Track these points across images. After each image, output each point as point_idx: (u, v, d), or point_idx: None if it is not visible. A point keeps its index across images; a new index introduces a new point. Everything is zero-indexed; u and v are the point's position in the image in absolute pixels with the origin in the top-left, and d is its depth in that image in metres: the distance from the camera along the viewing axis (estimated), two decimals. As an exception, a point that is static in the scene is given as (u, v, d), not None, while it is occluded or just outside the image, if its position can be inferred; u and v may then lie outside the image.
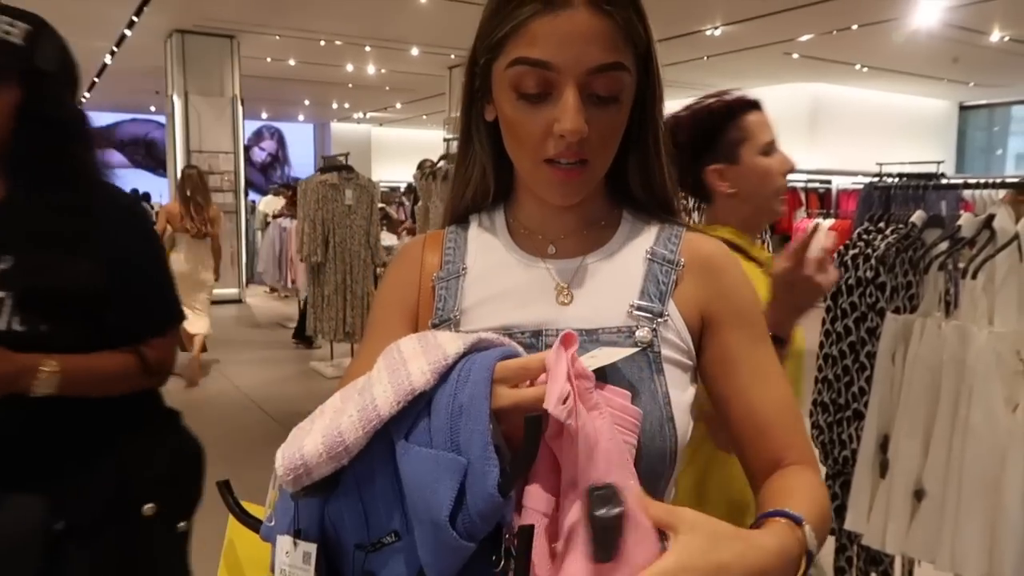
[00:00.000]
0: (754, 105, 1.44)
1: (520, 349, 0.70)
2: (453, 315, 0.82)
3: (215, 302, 9.44)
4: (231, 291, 9.78)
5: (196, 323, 5.71)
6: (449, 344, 0.67)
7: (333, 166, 5.99)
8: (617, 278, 0.81)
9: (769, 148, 1.43)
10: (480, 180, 0.87)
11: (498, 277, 0.84)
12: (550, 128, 0.74)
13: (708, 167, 1.42)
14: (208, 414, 4.98)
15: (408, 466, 0.62)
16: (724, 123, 1.42)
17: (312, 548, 0.67)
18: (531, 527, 0.61)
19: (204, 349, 5.96)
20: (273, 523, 0.70)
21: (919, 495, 1.99)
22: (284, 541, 0.69)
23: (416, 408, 0.64)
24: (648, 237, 0.84)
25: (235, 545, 0.86)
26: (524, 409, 0.61)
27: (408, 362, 0.66)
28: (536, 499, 0.64)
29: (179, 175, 6.06)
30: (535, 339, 0.78)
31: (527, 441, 0.60)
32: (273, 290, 10.18)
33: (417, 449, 0.62)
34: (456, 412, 0.62)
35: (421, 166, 5.74)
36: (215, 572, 0.88)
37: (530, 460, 0.60)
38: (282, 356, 6.84)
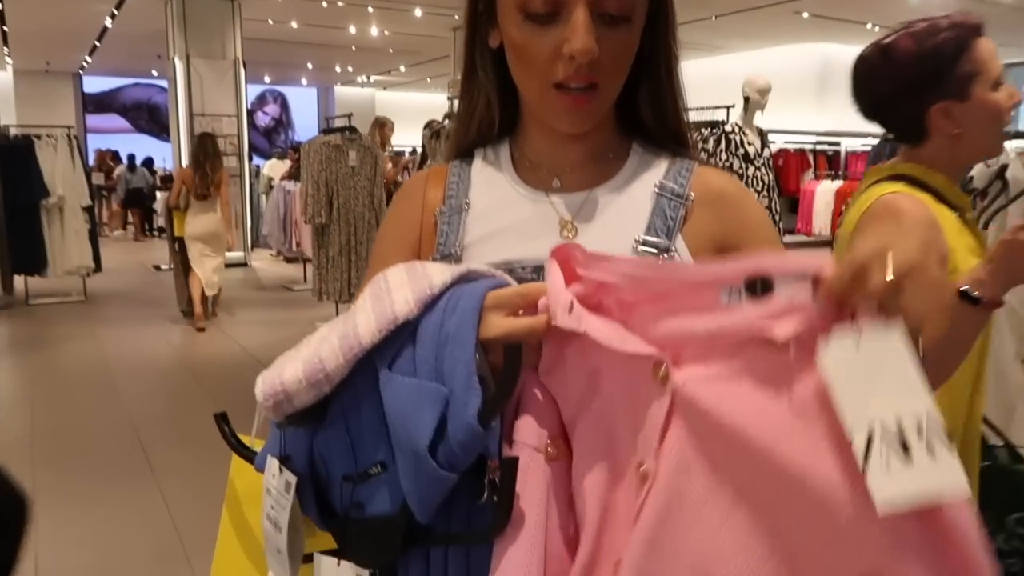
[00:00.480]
0: (980, 29, 1.26)
1: (512, 281, 0.69)
2: (455, 250, 0.81)
3: (221, 265, 9.49)
4: (236, 255, 9.74)
5: (208, 280, 6.16)
6: (436, 274, 0.65)
7: (337, 128, 5.94)
8: (624, 212, 0.79)
9: (999, 80, 1.26)
10: (485, 111, 0.85)
11: (501, 212, 0.82)
12: (559, 50, 0.71)
13: (934, 106, 1.25)
14: (214, 375, 5.01)
15: (390, 395, 0.61)
16: (955, 55, 1.23)
17: (293, 480, 0.67)
18: (515, 459, 0.60)
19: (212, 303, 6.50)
20: (263, 443, 0.71)
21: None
22: (272, 463, 0.69)
23: (400, 337, 0.63)
24: (658, 171, 0.82)
25: (235, 484, 0.86)
26: (516, 339, 0.60)
27: (392, 291, 0.64)
28: (527, 433, 0.62)
29: (196, 140, 6.38)
30: (536, 274, 0.76)
31: (506, 370, 0.59)
32: (279, 254, 10.17)
33: (400, 378, 0.61)
34: (442, 341, 0.61)
35: (429, 125, 5.69)
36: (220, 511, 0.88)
37: (509, 390, 0.59)
38: (287, 318, 6.85)
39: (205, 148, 6.10)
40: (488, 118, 0.85)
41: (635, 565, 0.55)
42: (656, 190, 0.80)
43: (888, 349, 0.46)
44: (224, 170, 6.26)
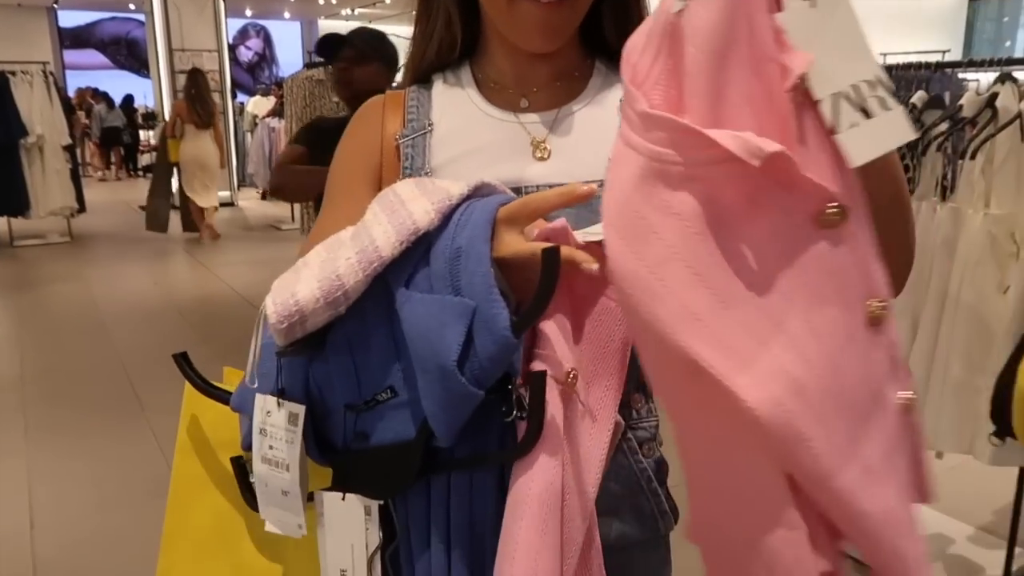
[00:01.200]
0: None
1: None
2: (423, 173, 0.78)
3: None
4: (223, 194, 9.63)
5: (205, 198, 7.23)
6: (452, 186, 0.62)
7: (320, 61, 5.79)
8: (595, 129, 0.78)
9: None
10: (445, 31, 0.81)
11: (469, 133, 0.80)
12: None
13: None
14: (202, 313, 5.00)
15: (410, 313, 0.58)
16: None
17: (300, 409, 0.64)
18: (544, 373, 0.57)
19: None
20: (256, 384, 0.66)
21: (905, 377, 2.00)
22: (265, 401, 0.66)
23: (416, 254, 0.60)
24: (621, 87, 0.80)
25: (200, 424, 0.82)
26: (521, 262, 0.57)
27: (407, 203, 0.61)
28: (550, 345, 0.59)
29: (187, 75, 7.08)
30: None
31: (545, 276, 0.54)
32: (265, 195, 10.04)
33: (420, 296, 0.58)
34: (454, 256, 0.58)
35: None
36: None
37: (548, 296, 0.55)
38: (275, 256, 6.82)
39: (197, 83, 6.78)
40: (449, 38, 0.81)
41: None
42: (621, 105, 0.78)
43: (838, 10, 0.48)
44: (215, 104, 7.14)
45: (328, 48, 2.33)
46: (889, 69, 2.41)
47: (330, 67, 5.52)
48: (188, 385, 0.78)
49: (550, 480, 0.57)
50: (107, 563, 2.39)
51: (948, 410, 1.91)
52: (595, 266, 0.55)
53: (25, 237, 7.28)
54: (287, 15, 17.88)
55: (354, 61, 2.26)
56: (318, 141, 2.13)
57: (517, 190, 0.74)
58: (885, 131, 0.47)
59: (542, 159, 0.77)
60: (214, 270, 6.29)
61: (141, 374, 3.96)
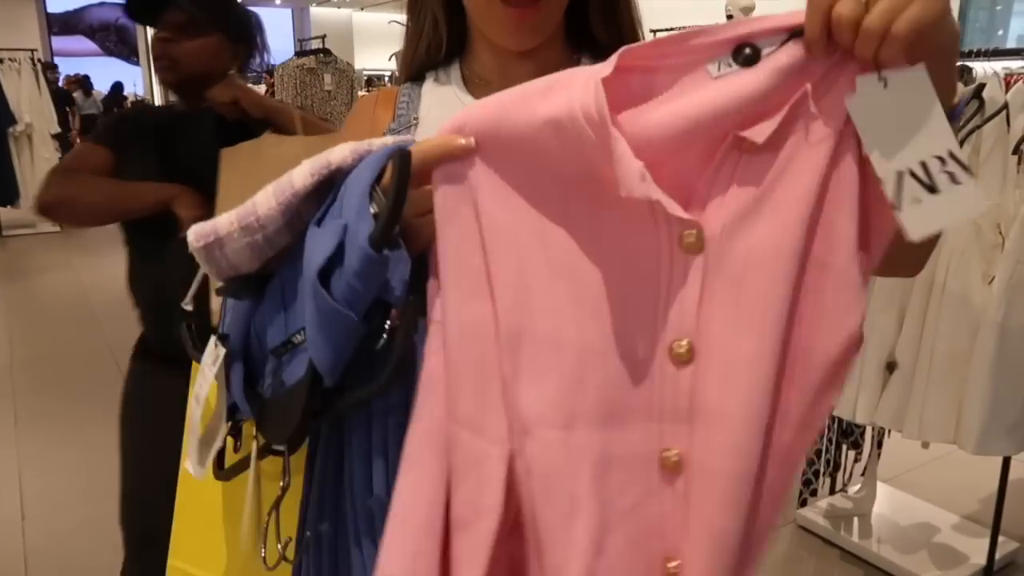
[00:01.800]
0: None
1: None
2: None
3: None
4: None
5: None
6: (379, 140, 0.63)
7: (312, 50, 5.76)
8: None
9: None
10: (432, 31, 0.83)
11: None
12: None
13: None
14: (195, 304, 4.99)
15: (307, 243, 0.59)
16: None
17: (221, 352, 0.66)
18: (415, 305, 0.57)
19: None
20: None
21: (891, 367, 2.02)
22: (211, 341, 0.68)
23: (331, 194, 0.61)
24: None
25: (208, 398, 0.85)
26: (426, 161, 0.56)
27: (333, 151, 0.62)
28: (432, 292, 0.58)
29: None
30: None
31: (395, 184, 0.54)
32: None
33: (315, 228, 0.59)
34: (351, 183, 0.59)
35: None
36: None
37: (398, 204, 0.54)
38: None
39: None
40: (436, 39, 0.83)
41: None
42: None
43: (912, 91, 0.48)
44: None
45: (144, 9, 1.55)
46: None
47: (320, 55, 5.52)
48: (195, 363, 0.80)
49: (434, 412, 0.56)
50: (98, 552, 2.39)
51: (933, 400, 1.93)
52: (463, 141, 0.54)
53: (15, 227, 7.24)
54: (278, 2, 17.76)
55: (182, 30, 1.51)
56: (132, 142, 1.48)
57: None
58: (952, 205, 0.47)
59: None
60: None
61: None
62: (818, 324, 0.51)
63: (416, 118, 0.83)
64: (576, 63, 0.82)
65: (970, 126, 1.91)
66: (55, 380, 3.78)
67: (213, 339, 0.67)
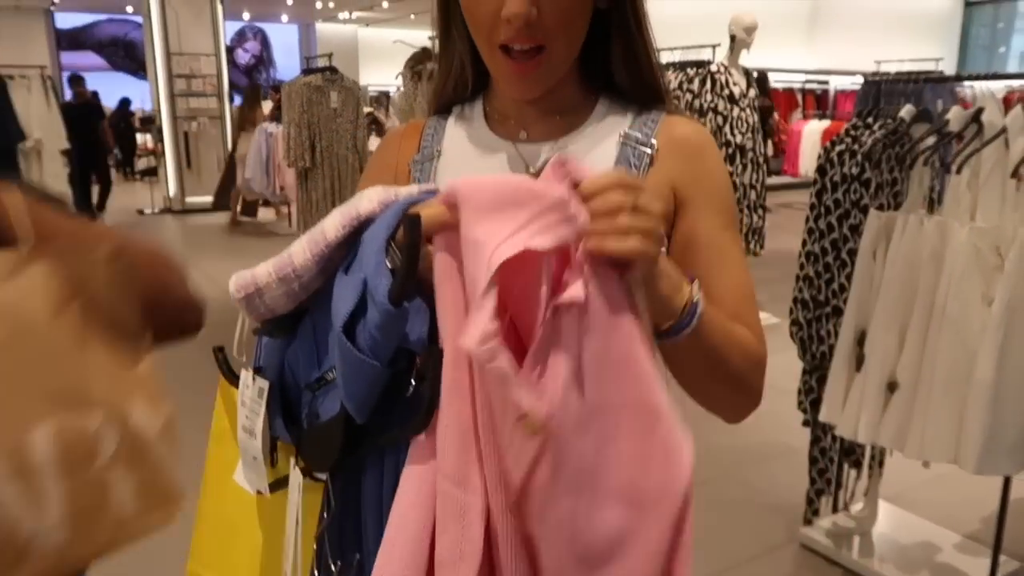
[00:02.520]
0: None
1: None
2: None
3: (203, 210, 9.40)
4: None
5: None
6: (404, 189, 0.67)
7: (317, 68, 5.81)
8: (588, 162, 0.80)
9: None
10: (459, 72, 0.87)
11: (471, 161, 0.84)
12: (500, 11, 0.72)
13: None
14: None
15: (333, 291, 0.64)
16: None
17: (265, 384, 0.70)
18: (439, 349, 0.59)
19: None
20: (243, 357, 0.73)
21: (892, 387, 2.04)
22: (245, 375, 0.72)
23: (358, 241, 0.64)
24: (624, 121, 0.83)
25: (233, 414, 0.88)
26: (428, 226, 0.59)
27: (362, 199, 0.66)
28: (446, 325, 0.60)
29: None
30: None
31: (407, 245, 0.58)
32: (266, 203, 10.01)
33: (342, 275, 0.64)
34: (368, 239, 0.62)
35: (413, 65, 5.56)
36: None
37: (411, 265, 0.58)
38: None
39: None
40: (462, 78, 0.87)
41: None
42: (621, 139, 0.81)
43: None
44: (259, 109, 8.31)
45: None
46: (878, 84, 2.45)
47: (327, 73, 5.57)
48: (221, 378, 0.84)
49: (462, 456, 0.59)
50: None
51: (934, 420, 1.95)
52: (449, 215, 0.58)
53: (22, 241, 7.29)
54: (284, 18, 17.91)
55: None
56: None
57: None
58: None
59: None
60: (209, 273, 6.30)
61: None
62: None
63: (439, 150, 0.86)
64: (593, 103, 0.85)
65: (969, 149, 1.94)
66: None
67: (247, 373, 0.71)
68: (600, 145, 0.82)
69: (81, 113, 8.18)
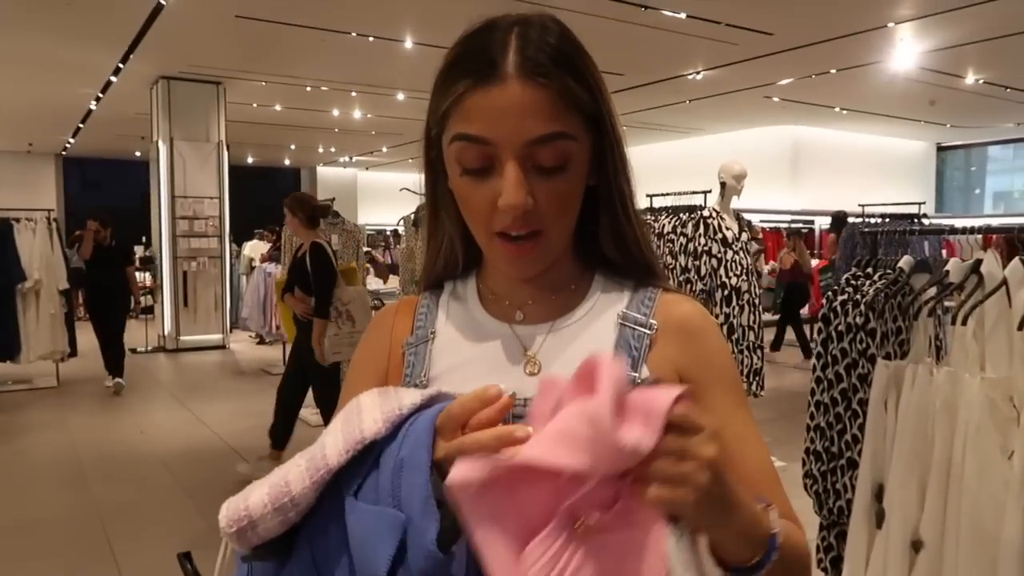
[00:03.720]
0: None
1: None
2: (420, 381, 0.80)
3: (197, 348, 9.36)
4: (215, 337, 9.67)
5: None
6: (407, 396, 0.64)
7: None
8: (587, 345, 0.79)
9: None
10: (449, 251, 0.86)
11: (466, 344, 0.82)
12: (495, 201, 0.72)
13: None
14: (187, 464, 4.87)
15: (353, 523, 0.59)
16: None
17: None
18: None
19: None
20: None
21: (916, 546, 1.94)
22: None
23: (367, 462, 0.61)
24: (620, 300, 0.82)
25: None
26: (466, 454, 0.56)
27: (363, 412, 0.63)
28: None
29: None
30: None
31: (455, 510, 0.56)
32: (261, 341, 10.02)
33: (362, 506, 0.59)
34: (397, 467, 0.59)
35: (418, 211, 5.72)
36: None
37: (460, 527, 0.56)
38: (265, 404, 6.71)
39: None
40: (452, 257, 0.86)
41: None
42: (619, 320, 0.80)
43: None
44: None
45: None
46: (875, 232, 2.50)
47: (328, 218, 5.71)
48: None
49: None
50: None
51: (964, 581, 1.84)
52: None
53: (11, 380, 7.20)
54: (287, 162, 18.63)
55: None
56: None
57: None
58: None
59: (532, 374, 0.78)
60: (201, 417, 6.18)
61: (118, 529, 3.79)
62: None
63: (433, 332, 0.84)
64: (589, 280, 0.84)
65: (972, 301, 1.95)
66: (39, 548, 3.61)
67: None
68: (597, 326, 0.80)
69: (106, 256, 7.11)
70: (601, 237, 0.82)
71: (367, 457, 0.61)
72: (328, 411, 4.62)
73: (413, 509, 0.56)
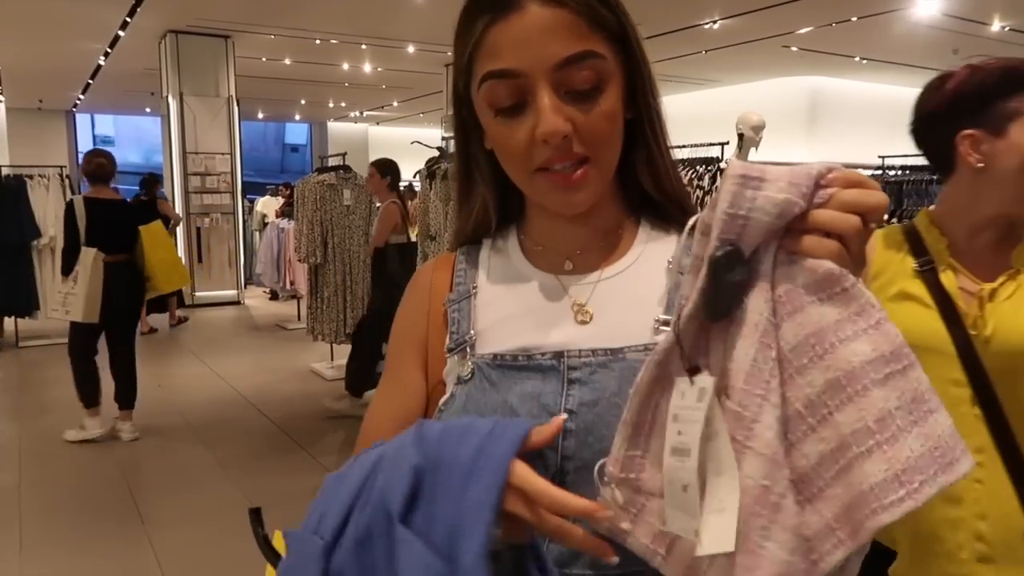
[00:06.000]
0: None
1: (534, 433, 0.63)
2: (468, 337, 0.77)
3: (213, 304, 9.43)
4: (229, 293, 9.72)
5: None
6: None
7: (331, 167, 5.93)
8: (639, 292, 0.76)
9: None
10: (482, 215, 0.84)
11: (512, 296, 0.79)
12: (533, 136, 0.70)
13: (961, 131, 1.21)
14: (207, 418, 4.93)
15: (405, 561, 0.57)
16: (1002, 90, 1.19)
17: (709, 383, 0.58)
18: None
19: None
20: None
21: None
22: (681, 381, 0.60)
23: (419, 491, 0.59)
24: (669, 245, 0.79)
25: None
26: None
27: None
28: None
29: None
30: (557, 360, 0.73)
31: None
32: (274, 296, 10.06)
33: (418, 547, 0.57)
34: (457, 520, 0.57)
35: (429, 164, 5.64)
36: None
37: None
38: (281, 358, 6.79)
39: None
40: (485, 219, 0.84)
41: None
42: (670, 266, 0.77)
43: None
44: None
45: None
46: (900, 180, 2.44)
47: (341, 172, 5.67)
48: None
49: None
50: None
51: None
52: None
53: (32, 337, 7.28)
54: (298, 117, 18.51)
55: None
56: None
57: (560, 354, 0.73)
58: None
59: (583, 323, 0.75)
60: (219, 371, 6.25)
61: (141, 483, 3.86)
62: None
63: (475, 287, 0.81)
64: (635, 223, 0.81)
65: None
66: (63, 503, 3.68)
67: (682, 379, 0.60)
68: (648, 274, 0.78)
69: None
70: (638, 172, 0.79)
71: (419, 486, 0.59)
72: (361, 361, 4.90)
73: (464, 564, 0.56)
